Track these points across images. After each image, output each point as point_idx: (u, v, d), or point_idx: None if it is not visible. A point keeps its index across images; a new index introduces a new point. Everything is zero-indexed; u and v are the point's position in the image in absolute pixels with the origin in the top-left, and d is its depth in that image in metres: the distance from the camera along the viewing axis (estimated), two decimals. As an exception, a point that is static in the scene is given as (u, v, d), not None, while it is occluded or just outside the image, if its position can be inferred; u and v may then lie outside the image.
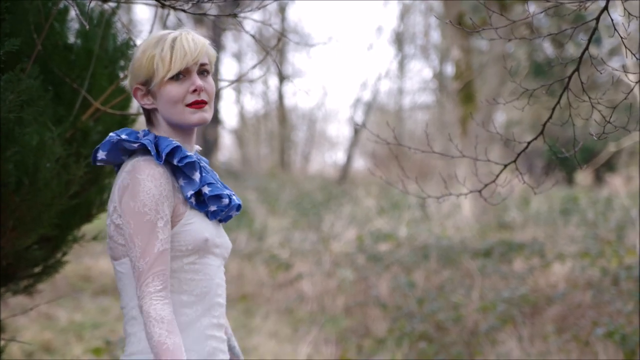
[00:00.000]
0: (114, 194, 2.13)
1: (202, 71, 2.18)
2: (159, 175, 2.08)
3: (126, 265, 2.13)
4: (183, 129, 2.20)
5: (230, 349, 2.38)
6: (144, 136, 2.19)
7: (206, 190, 2.12)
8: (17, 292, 3.41)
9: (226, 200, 2.15)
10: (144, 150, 2.14)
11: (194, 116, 2.15)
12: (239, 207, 2.23)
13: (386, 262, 9.13)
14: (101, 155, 2.17)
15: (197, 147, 2.29)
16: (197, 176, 2.12)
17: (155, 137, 2.16)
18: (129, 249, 2.06)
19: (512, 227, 11.41)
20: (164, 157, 2.09)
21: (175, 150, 2.11)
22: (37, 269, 3.39)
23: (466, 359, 6.33)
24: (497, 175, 3.32)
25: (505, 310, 6.84)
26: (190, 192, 2.10)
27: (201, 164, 2.18)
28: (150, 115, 2.22)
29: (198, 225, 2.12)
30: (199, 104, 2.15)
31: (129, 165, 2.11)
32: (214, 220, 2.18)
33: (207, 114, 2.17)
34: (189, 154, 2.13)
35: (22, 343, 4.79)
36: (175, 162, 2.10)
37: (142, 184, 2.06)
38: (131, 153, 2.17)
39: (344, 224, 11.90)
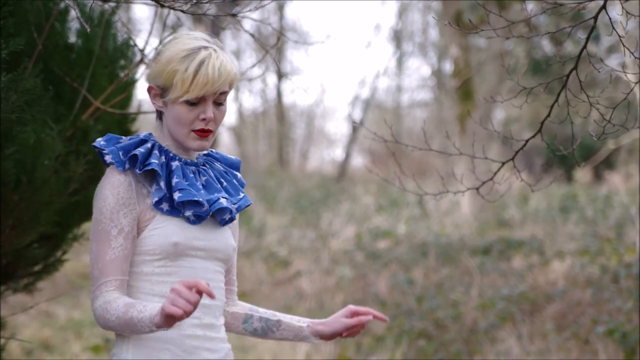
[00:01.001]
0: None
1: (220, 99, 2.17)
2: (119, 183, 2.11)
3: None
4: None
5: (252, 333, 2.35)
6: (140, 136, 2.22)
7: (176, 196, 2.12)
8: (17, 290, 3.41)
9: (205, 206, 2.14)
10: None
11: (194, 143, 2.17)
12: (231, 211, 2.21)
13: (385, 259, 9.14)
14: (101, 142, 2.20)
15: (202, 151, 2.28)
16: (162, 184, 2.13)
17: (137, 140, 2.18)
18: (90, 256, 2.13)
19: (511, 225, 11.42)
20: (125, 166, 2.11)
21: (137, 157, 2.13)
22: (37, 268, 3.40)
23: (465, 357, 6.34)
24: (495, 173, 3.33)
25: (505, 308, 6.85)
26: (155, 200, 2.12)
27: (173, 168, 2.17)
28: (159, 115, 2.23)
29: (167, 230, 2.12)
30: (204, 134, 2.16)
31: (99, 183, 2.17)
32: (199, 224, 2.17)
33: (207, 143, 2.18)
34: (153, 161, 2.12)
35: (21, 341, 4.80)
36: (136, 170, 2.13)
37: (102, 192, 2.12)
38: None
39: (343, 221, 11.91)
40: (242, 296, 9.14)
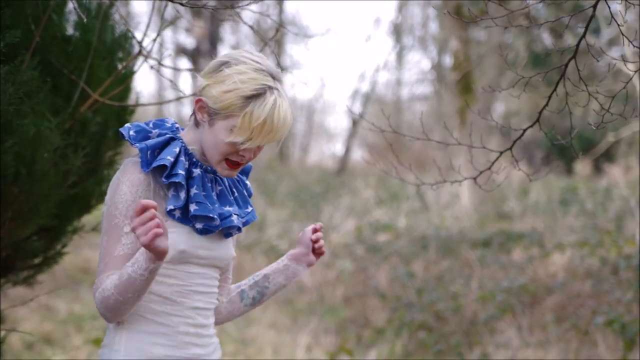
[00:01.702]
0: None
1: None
2: (138, 182, 2.10)
3: None
4: None
5: (251, 304, 2.37)
6: (170, 130, 2.20)
7: (192, 208, 2.13)
8: (17, 283, 3.42)
9: (217, 221, 2.15)
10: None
11: (224, 171, 2.16)
12: (239, 228, 2.22)
13: (385, 252, 9.15)
14: (129, 131, 2.19)
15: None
16: (182, 195, 2.12)
17: (166, 139, 2.16)
18: (100, 246, 2.13)
19: (511, 217, 11.43)
20: (150, 168, 2.10)
21: (164, 167, 2.12)
22: (36, 260, 3.40)
23: (465, 349, 6.35)
24: (494, 162, 3.33)
25: (505, 300, 6.86)
26: (169, 207, 2.11)
27: (194, 175, 2.15)
28: (197, 122, 2.18)
29: (175, 237, 2.12)
30: (236, 166, 2.16)
31: (122, 163, 2.15)
32: (205, 235, 2.18)
33: (234, 173, 2.18)
34: (179, 172, 2.11)
35: (22, 333, 4.81)
36: (162, 179, 2.11)
37: (120, 187, 2.10)
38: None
39: (343, 215, 11.92)
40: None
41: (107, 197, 2.13)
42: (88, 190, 3.44)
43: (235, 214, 2.20)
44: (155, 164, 2.10)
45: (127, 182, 2.09)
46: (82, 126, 3.27)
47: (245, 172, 2.33)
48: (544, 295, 7.03)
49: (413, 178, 3.95)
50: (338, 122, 34.56)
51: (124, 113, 3.54)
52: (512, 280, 7.32)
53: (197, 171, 2.16)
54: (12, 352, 5.97)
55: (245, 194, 2.31)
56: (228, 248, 2.26)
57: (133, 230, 1.92)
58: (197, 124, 2.18)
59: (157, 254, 1.96)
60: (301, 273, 2.38)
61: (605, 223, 9.42)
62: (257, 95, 2.08)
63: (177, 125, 2.24)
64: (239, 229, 2.23)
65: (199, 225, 2.15)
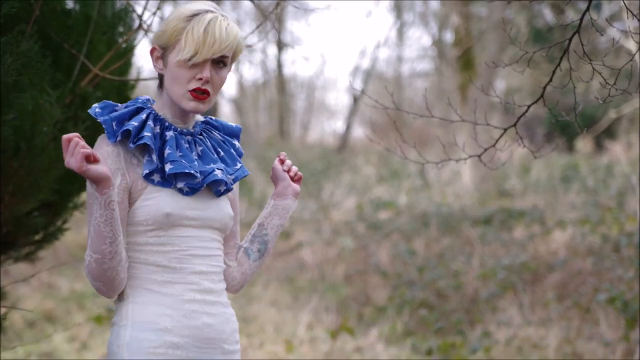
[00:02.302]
0: None
1: (220, 61, 2.16)
2: (107, 154, 2.11)
3: None
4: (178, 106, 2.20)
5: (260, 256, 2.37)
6: (141, 103, 2.21)
7: (167, 167, 2.12)
8: (18, 259, 3.40)
9: (198, 178, 2.14)
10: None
11: (190, 103, 2.16)
12: (226, 183, 2.21)
13: (386, 230, 9.15)
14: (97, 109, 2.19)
15: (199, 117, 2.27)
16: (154, 156, 2.13)
17: (133, 109, 2.17)
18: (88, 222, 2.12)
19: (512, 195, 11.41)
20: (118, 137, 2.11)
21: (129, 131, 2.12)
22: (37, 236, 3.38)
23: (466, 327, 6.35)
24: (497, 140, 3.30)
25: (506, 278, 6.86)
26: (145, 172, 2.12)
27: (167, 138, 2.16)
28: (160, 78, 2.22)
29: (158, 201, 2.12)
30: (200, 95, 2.15)
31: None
32: (192, 195, 2.16)
33: (203, 106, 2.17)
34: (146, 134, 2.12)
35: (23, 310, 4.81)
36: (130, 144, 2.12)
37: None
38: None
39: (344, 192, 11.91)
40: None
41: None
42: (89, 166, 3.40)
43: (218, 169, 2.19)
44: (120, 129, 2.12)
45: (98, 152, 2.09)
46: (82, 101, 3.24)
47: (235, 134, 2.33)
48: (545, 273, 7.03)
49: (415, 156, 3.93)
50: (339, 99, 34.46)
51: (124, 88, 3.51)
52: (513, 257, 7.32)
53: (169, 134, 2.17)
54: (13, 330, 5.98)
55: (234, 152, 2.29)
56: (221, 207, 2.24)
57: (67, 166, 1.97)
58: (161, 84, 2.20)
59: (97, 179, 1.99)
60: (291, 206, 2.39)
61: (606, 200, 9.40)
62: (196, 14, 2.14)
63: (149, 99, 2.25)
64: (227, 184, 2.21)
65: (180, 185, 2.14)
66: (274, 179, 2.41)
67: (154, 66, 2.20)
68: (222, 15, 2.15)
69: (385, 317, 6.78)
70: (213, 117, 2.33)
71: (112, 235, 2.05)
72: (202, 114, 2.26)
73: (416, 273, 7.49)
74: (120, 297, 2.16)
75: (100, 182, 2.00)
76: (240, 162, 2.29)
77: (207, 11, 2.14)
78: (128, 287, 2.15)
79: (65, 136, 1.97)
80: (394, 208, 10.43)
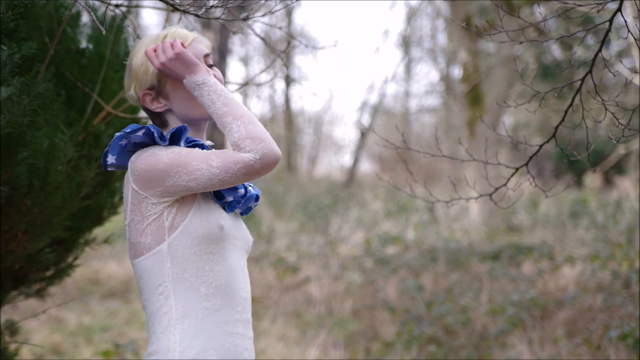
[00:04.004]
0: (125, 194, 2.12)
1: (208, 64, 2.19)
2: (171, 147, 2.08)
3: (146, 261, 2.08)
4: (198, 123, 2.19)
5: None
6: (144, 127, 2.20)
7: None
8: (29, 295, 3.41)
9: (242, 191, 2.14)
10: (146, 145, 2.11)
11: None
12: (257, 197, 2.22)
13: (394, 265, 9.12)
14: (111, 159, 2.13)
15: (209, 143, 2.29)
16: None
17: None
18: (197, 175, 2.00)
19: (521, 230, 11.38)
20: (168, 138, 2.07)
21: (181, 132, 2.08)
22: (48, 272, 3.40)
23: (476, 363, 6.31)
24: (509, 178, 3.32)
25: (515, 314, 6.82)
26: None
27: None
28: (162, 119, 2.19)
29: (213, 213, 2.08)
30: None
31: (132, 160, 2.09)
32: (231, 212, 2.16)
33: None
34: (197, 138, 2.13)
35: (33, 346, 4.80)
36: (181, 143, 2.07)
37: (154, 152, 2.04)
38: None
39: (351, 227, 11.89)
40: (251, 301, 9.13)
41: (134, 182, 2.06)
42: (100, 202, 3.44)
43: (250, 186, 2.20)
44: (172, 131, 2.08)
45: (156, 149, 2.05)
46: (95, 138, 3.27)
47: None
48: (554, 309, 6.98)
49: (424, 193, 3.94)
50: (346, 133, 34.56)
51: (136, 126, 3.54)
52: (522, 293, 7.28)
53: (200, 141, 2.16)
54: (21, 364, 5.97)
55: None
56: (247, 230, 2.24)
57: (159, 63, 2.07)
58: (163, 119, 2.17)
59: (193, 61, 2.07)
60: None
61: (616, 236, 9.37)
62: (157, 38, 2.16)
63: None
64: (257, 200, 2.22)
65: (230, 199, 2.11)
66: None
67: (155, 109, 2.16)
68: (173, 27, 2.21)
69: (393, 352, 6.74)
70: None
71: (239, 101, 2.05)
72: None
73: (424, 308, 7.45)
74: (164, 322, 2.04)
75: (201, 65, 2.06)
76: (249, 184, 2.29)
77: (157, 33, 2.19)
78: (176, 313, 2.04)
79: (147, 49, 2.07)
80: (401, 243, 10.41)
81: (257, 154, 1.98)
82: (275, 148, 2.00)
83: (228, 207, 2.14)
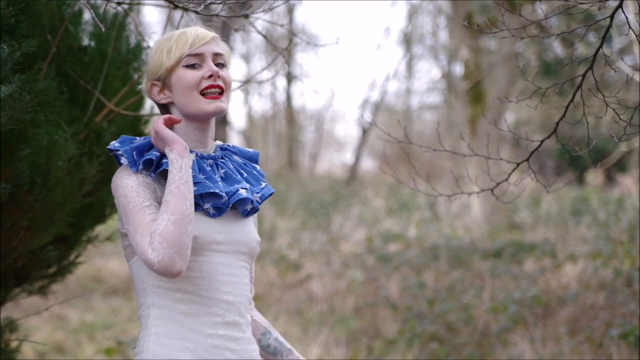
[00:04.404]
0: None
1: (217, 63, 2.21)
2: (136, 183, 2.12)
3: (133, 265, 2.17)
4: (200, 120, 2.20)
5: (264, 348, 2.34)
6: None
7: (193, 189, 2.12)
8: (32, 292, 3.41)
9: (224, 198, 2.14)
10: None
11: (210, 105, 2.17)
12: (253, 202, 2.21)
13: (396, 262, 9.12)
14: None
15: (217, 142, 2.29)
16: None
17: (144, 147, 2.20)
18: (130, 238, 2.08)
19: (522, 228, 11.38)
20: (139, 167, 2.13)
21: (151, 161, 2.14)
22: (51, 270, 3.40)
23: (477, 360, 6.31)
24: (510, 173, 3.32)
25: (517, 312, 6.82)
26: None
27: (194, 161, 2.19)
28: (165, 110, 2.24)
29: None
30: (216, 95, 2.17)
31: (114, 176, 2.18)
32: (219, 216, 2.16)
33: (223, 104, 2.18)
34: (164, 161, 2.13)
35: (34, 343, 4.81)
36: (151, 173, 2.13)
37: (120, 181, 2.11)
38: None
39: (353, 224, 11.89)
40: (253, 299, 9.12)
41: (115, 201, 2.15)
42: (102, 200, 3.44)
43: (243, 189, 2.19)
44: (142, 159, 2.13)
45: (125, 176, 2.12)
46: (97, 136, 3.27)
47: (254, 159, 2.35)
48: (556, 307, 6.98)
49: (425, 188, 3.94)
50: (348, 131, 34.59)
51: (138, 123, 3.54)
52: (524, 291, 7.28)
53: (191, 157, 2.17)
54: (23, 361, 5.98)
55: (256, 173, 2.30)
56: (249, 230, 2.22)
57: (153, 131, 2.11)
58: (169, 113, 2.23)
59: (174, 140, 2.09)
60: None
61: (618, 234, 9.36)
62: (171, 35, 2.22)
63: None
64: (253, 203, 2.21)
65: (207, 206, 2.13)
66: None
67: (160, 100, 2.22)
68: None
69: (395, 350, 6.74)
70: (230, 144, 2.35)
71: (191, 197, 2.04)
72: (223, 112, 2.24)
73: (426, 306, 7.45)
74: (144, 325, 2.13)
75: (177, 143, 2.08)
76: (264, 182, 2.29)
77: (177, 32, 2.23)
78: (153, 316, 2.11)
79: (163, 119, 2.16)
80: (403, 241, 10.40)
81: (158, 257, 2.00)
82: (178, 263, 2.00)
83: (212, 214, 2.15)
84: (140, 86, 2.28)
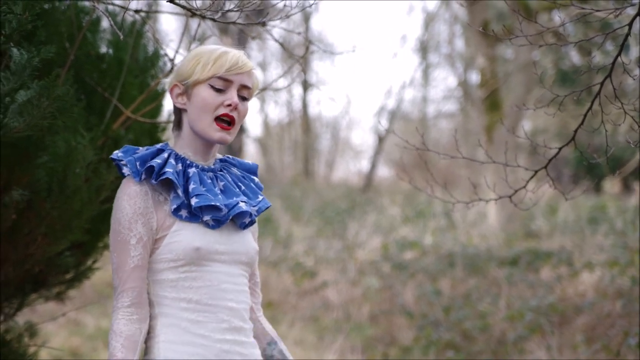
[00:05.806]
0: None
1: (242, 95, 2.23)
2: (135, 194, 2.15)
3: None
4: (202, 139, 2.24)
5: (267, 358, 2.37)
6: (157, 146, 2.26)
7: (193, 202, 2.16)
8: (49, 298, 3.44)
9: (224, 211, 2.18)
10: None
11: (216, 134, 2.20)
12: (251, 215, 2.25)
13: (411, 270, 9.10)
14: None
15: (218, 156, 2.32)
16: (179, 191, 2.17)
17: (154, 150, 2.23)
18: (111, 263, 2.17)
19: (539, 236, 11.32)
20: (142, 177, 2.16)
21: (153, 168, 2.17)
22: (68, 276, 3.42)
23: (493, 368, 6.28)
24: (528, 181, 3.31)
25: (533, 320, 6.79)
26: (173, 207, 2.17)
27: (190, 175, 2.21)
28: (180, 117, 2.27)
29: (187, 236, 2.16)
30: (226, 126, 2.20)
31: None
32: (218, 227, 2.20)
33: (229, 137, 2.22)
34: (168, 170, 2.16)
35: (52, 349, 4.83)
36: (152, 180, 2.16)
37: (119, 203, 2.17)
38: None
39: (369, 232, 11.87)
40: (269, 306, 9.17)
41: (112, 216, 2.19)
42: (119, 207, 3.44)
43: (242, 202, 2.23)
44: (144, 167, 2.16)
45: (125, 197, 2.15)
46: (114, 143, 3.29)
47: (252, 172, 2.38)
48: (573, 315, 6.94)
49: (443, 195, 3.93)
50: (364, 139, 34.57)
51: (155, 130, 3.56)
52: (540, 299, 7.25)
53: (192, 170, 2.21)
54: (40, 367, 6.00)
55: (254, 186, 2.34)
56: (248, 241, 2.27)
57: None
58: (182, 120, 2.25)
59: None
60: None
61: (635, 242, 9.29)
62: (213, 48, 2.23)
63: (167, 143, 2.31)
64: (251, 216, 2.25)
65: (206, 218, 2.17)
66: None
67: (175, 103, 2.25)
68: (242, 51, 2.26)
69: (411, 357, 6.73)
70: (230, 156, 2.39)
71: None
72: (226, 144, 2.28)
73: (442, 313, 7.43)
74: (152, 334, 2.17)
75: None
76: (261, 195, 2.33)
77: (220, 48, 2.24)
78: (160, 324, 2.16)
79: None
80: (419, 248, 10.38)
81: (117, 321, 2.16)
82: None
83: (212, 225, 2.19)
84: (165, 81, 2.29)
